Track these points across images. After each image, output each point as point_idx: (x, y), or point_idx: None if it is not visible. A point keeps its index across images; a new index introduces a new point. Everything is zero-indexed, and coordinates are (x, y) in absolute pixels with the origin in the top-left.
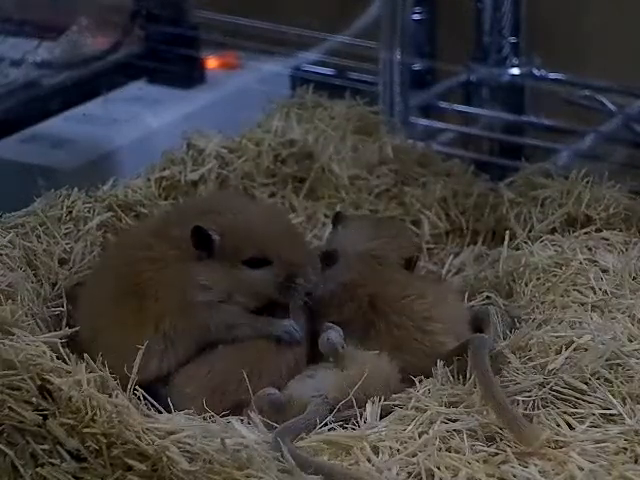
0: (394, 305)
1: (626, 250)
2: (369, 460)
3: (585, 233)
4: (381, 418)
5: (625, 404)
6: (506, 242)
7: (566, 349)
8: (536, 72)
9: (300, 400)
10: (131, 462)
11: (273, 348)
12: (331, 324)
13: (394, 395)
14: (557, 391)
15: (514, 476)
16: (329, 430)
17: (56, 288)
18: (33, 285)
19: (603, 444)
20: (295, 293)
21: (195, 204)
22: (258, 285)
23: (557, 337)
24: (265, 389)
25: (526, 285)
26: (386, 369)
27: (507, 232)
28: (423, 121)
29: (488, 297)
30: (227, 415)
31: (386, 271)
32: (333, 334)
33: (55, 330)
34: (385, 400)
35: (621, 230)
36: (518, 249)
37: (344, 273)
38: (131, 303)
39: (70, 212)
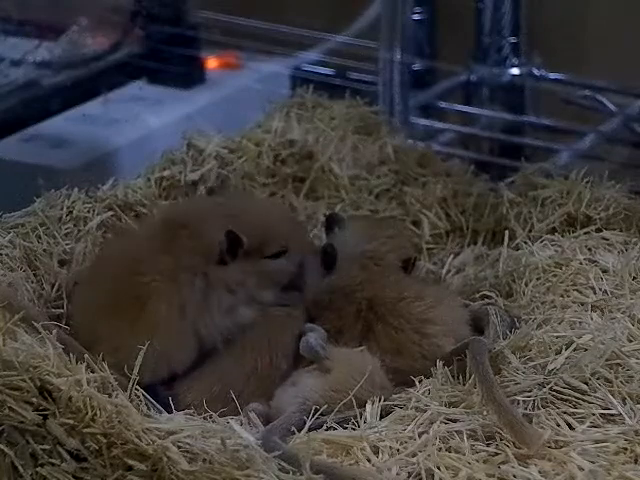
0: (392, 307)
1: (626, 250)
2: (369, 460)
3: (585, 233)
4: (381, 418)
5: (625, 404)
6: (506, 242)
7: (566, 349)
8: (536, 72)
9: (284, 409)
10: (131, 462)
11: (269, 357)
12: (312, 325)
13: (394, 395)
14: (557, 391)
15: (514, 476)
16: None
17: (56, 288)
18: (33, 285)
19: (603, 444)
20: (302, 281)
21: (191, 210)
22: (277, 274)
23: (557, 337)
24: (251, 404)
25: (526, 285)
26: (369, 365)
27: (507, 232)
28: (423, 121)
29: (488, 297)
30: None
31: (383, 273)
32: (313, 337)
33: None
34: (376, 397)
35: (621, 230)
36: (518, 249)
37: (341, 277)
38: (132, 310)
39: (70, 212)
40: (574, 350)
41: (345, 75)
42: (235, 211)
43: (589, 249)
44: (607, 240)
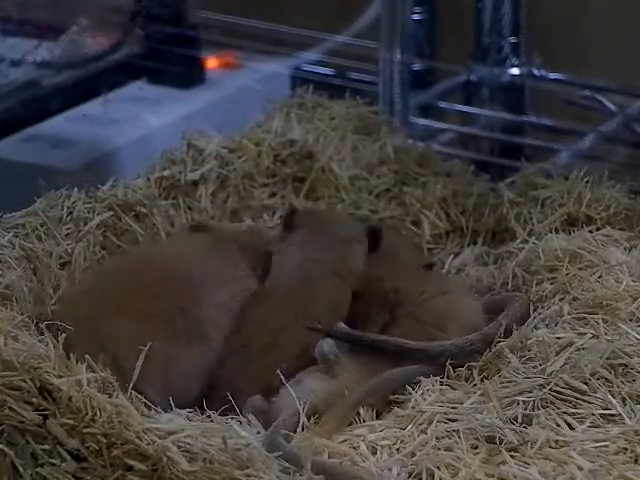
0: (416, 300)
1: (631, 249)
2: (368, 460)
3: (589, 232)
4: (380, 418)
5: (625, 404)
6: (508, 242)
7: (566, 349)
8: (536, 72)
9: (283, 407)
10: (131, 462)
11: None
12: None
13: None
14: (557, 391)
15: (514, 476)
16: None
17: (57, 289)
18: (33, 286)
19: (603, 444)
20: None
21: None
22: None
23: (557, 337)
24: (251, 398)
25: (528, 284)
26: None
27: (507, 232)
28: (423, 121)
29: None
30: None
31: (407, 268)
32: (327, 343)
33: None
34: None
35: (622, 230)
36: (519, 249)
37: (372, 268)
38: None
39: (71, 212)
40: (574, 350)
41: (345, 75)
42: None
43: (598, 244)
44: (611, 236)
